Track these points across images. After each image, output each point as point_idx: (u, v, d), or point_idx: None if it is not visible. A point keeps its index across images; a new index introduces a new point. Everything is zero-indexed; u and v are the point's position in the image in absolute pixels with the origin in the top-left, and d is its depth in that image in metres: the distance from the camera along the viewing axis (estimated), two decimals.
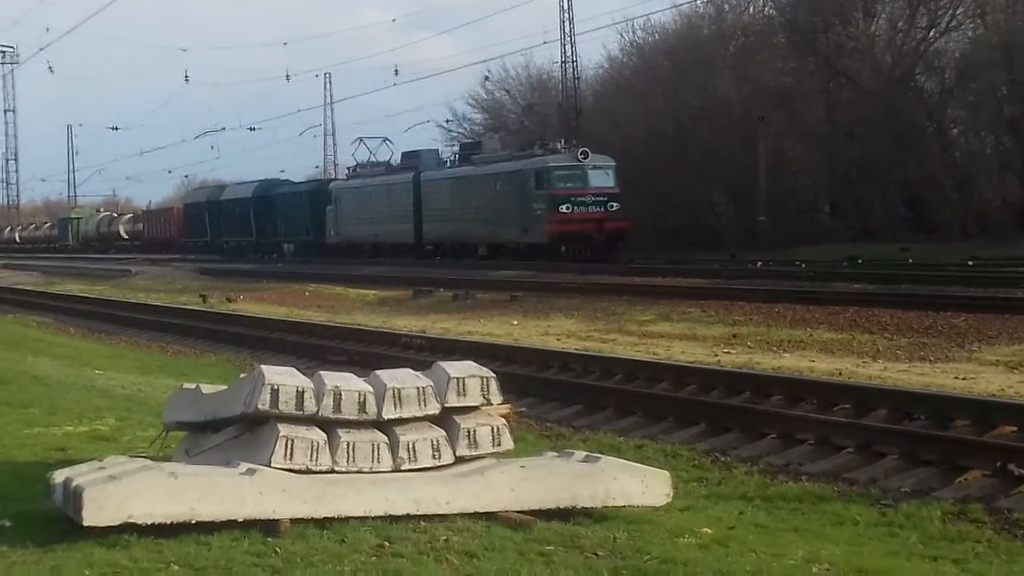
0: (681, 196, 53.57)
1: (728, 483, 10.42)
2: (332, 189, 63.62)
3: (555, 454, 8.22)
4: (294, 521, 6.80)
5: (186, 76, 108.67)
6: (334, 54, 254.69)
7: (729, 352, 19.13)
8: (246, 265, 58.72)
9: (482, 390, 7.77)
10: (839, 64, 52.93)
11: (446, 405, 7.64)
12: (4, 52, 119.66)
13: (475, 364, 8.06)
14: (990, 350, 17.79)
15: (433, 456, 7.50)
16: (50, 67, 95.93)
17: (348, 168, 67.69)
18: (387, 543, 6.60)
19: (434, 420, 7.63)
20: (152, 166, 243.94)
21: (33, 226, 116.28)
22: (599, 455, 8.11)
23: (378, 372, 7.84)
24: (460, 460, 7.57)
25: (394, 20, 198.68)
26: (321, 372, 7.75)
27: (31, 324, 30.06)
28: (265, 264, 60.10)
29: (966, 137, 50.44)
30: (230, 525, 6.69)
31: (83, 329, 29.45)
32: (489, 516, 7.19)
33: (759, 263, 39.21)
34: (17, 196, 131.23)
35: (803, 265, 36.53)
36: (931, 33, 51.92)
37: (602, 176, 46.05)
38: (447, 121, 78.60)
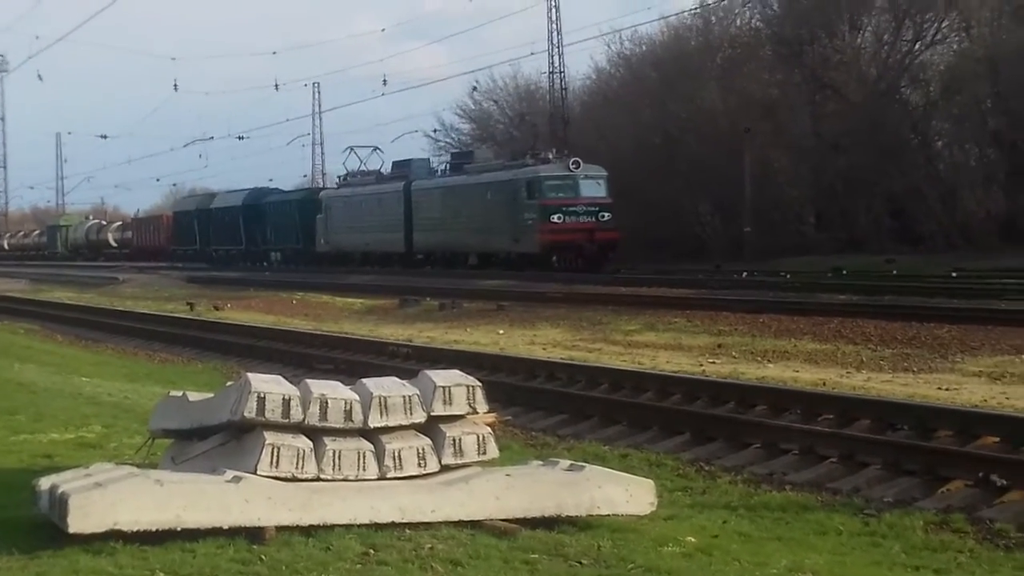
0: (668, 207, 53.59)
1: (712, 492, 10.41)
2: (322, 198, 63.53)
3: (540, 463, 8.23)
4: (279, 529, 6.80)
5: (175, 85, 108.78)
6: (323, 64, 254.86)
7: (714, 362, 19.15)
8: (233, 273, 58.64)
9: (468, 399, 7.77)
10: (825, 76, 53.08)
11: (432, 414, 7.64)
12: None
13: (461, 373, 8.06)
14: (973, 361, 17.83)
15: (419, 464, 7.49)
16: (39, 75, 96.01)
17: (338, 177, 67.69)
18: (372, 551, 6.60)
19: (420, 429, 7.63)
20: (140, 174, 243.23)
21: (22, 233, 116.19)
22: (584, 464, 8.11)
23: (364, 380, 7.84)
24: (446, 468, 7.57)
25: (383, 30, 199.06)
26: (308, 380, 7.75)
27: (19, 331, 29.97)
28: (253, 272, 60.05)
29: (950, 149, 50.58)
30: (216, 532, 6.68)
31: (70, 336, 29.38)
32: (474, 524, 7.19)
33: (744, 274, 39.26)
34: (6, 204, 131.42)
35: (788, 276, 36.57)
36: (916, 46, 52.09)
37: (594, 186, 46.05)
38: (435, 131, 78.69)
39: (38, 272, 71.27)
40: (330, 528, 6.89)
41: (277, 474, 7.08)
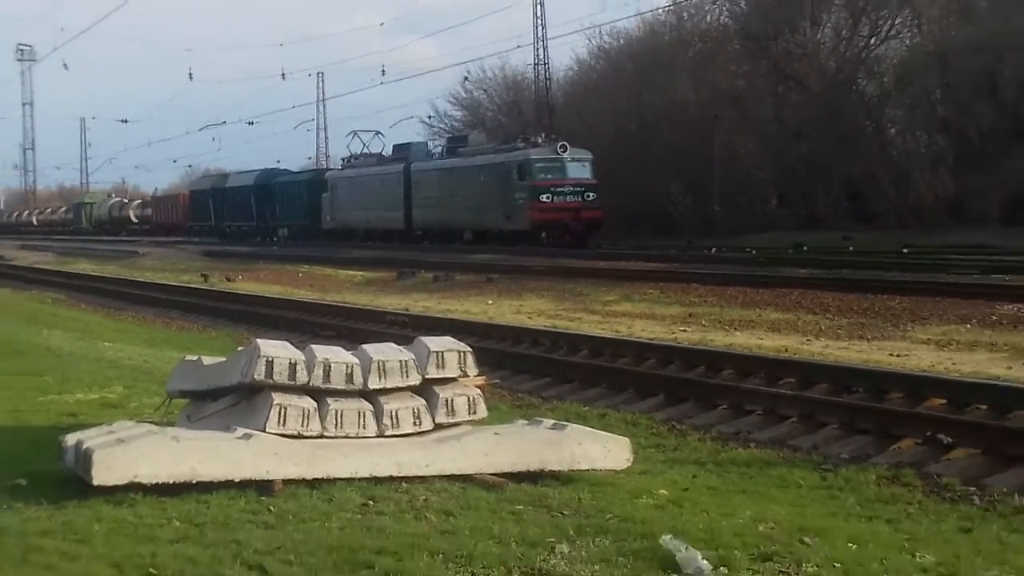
0: (644, 188, 53.54)
1: (683, 449, 10.43)
2: (328, 178, 63.26)
3: (526, 422, 8.23)
4: (286, 482, 6.80)
5: (190, 74, 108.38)
6: (327, 55, 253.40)
7: (685, 330, 19.15)
8: (244, 248, 58.49)
9: (459, 363, 7.76)
10: (788, 68, 53.02)
11: (426, 377, 7.63)
12: (23, 51, 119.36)
13: (453, 339, 8.05)
14: (922, 330, 17.86)
15: (414, 423, 7.49)
16: (65, 64, 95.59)
17: (343, 159, 67.31)
18: (371, 502, 6.60)
19: (415, 390, 7.62)
20: (158, 156, 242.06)
21: (49, 210, 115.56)
22: (566, 423, 8.11)
23: (364, 346, 7.84)
24: (439, 427, 7.57)
25: (382, 24, 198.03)
26: (312, 345, 7.73)
27: (46, 300, 29.85)
28: (262, 247, 59.88)
29: (903, 136, 50.56)
30: (228, 485, 6.68)
31: (94, 305, 29.28)
32: (465, 478, 7.19)
33: (713, 249, 39.27)
34: (34, 182, 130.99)
35: (753, 251, 36.56)
36: (872, 41, 52.04)
37: (580, 168, 45.90)
38: (429, 117, 78.45)
39: (64, 246, 71.00)
40: (333, 481, 6.88)
41: (284, 432, 7.07)
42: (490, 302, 25.88)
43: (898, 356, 15.36)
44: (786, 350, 16.05)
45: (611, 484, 7.49)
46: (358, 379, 7.42)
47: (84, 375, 12.39)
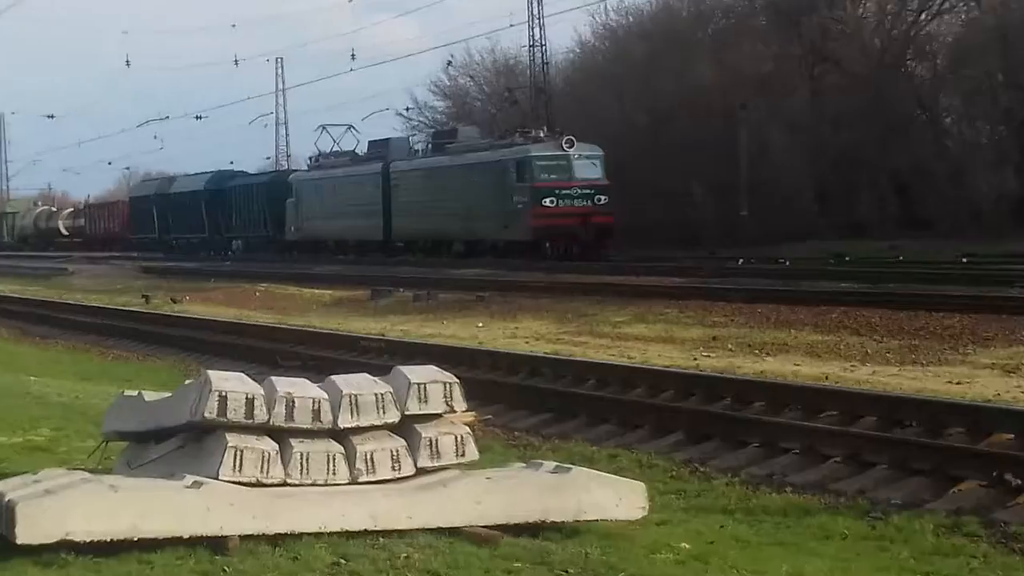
0: (656, 189, 53.54)
1: (707, 495, 10.43)
2: (292, 181, 63.08)
3: (523, 465, 8.23)
4: (243, 538, 6.79)
5: (127, 60, 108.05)
6: (286, 37, 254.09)
7: (708, 356, 19.17)
8: (193, 264, 58.53)
9: (445, 396, 7.76)
10: (825, 49, 53.10)
11: (406, 413, 7.63)
12: None
13: (437, 369, 8.05)
14: (985, 353, 17.87)
15: (392, 467, 7.48)
16: None
17: (310, 158, 67.32)
18: (343, 561, 6.60)
19: (394, 429, 7.62)
20: (91, 157, 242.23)
21: None
22: (570, 466, 8.12)
23: (334, 378, 7.83)
24: (421, 471, 7.56)
25: (351, 0, 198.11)
26: (273, 378, 7.73)
27: None
28: (214, 262, 59.89)
29: (959, 127, 50.67)
30: (175, 542, 6.67)
31: (16, 332, 29.28)
32: (452, 531, 7.19)
33: (740, 261, 39.28)
34: None
35: (787, 263, 36.61)
36: (923, 16, 52.14)
37: (589, 167, 45.50)
38: (407, 109, 78.23)
39: None
40: (298, 537, 6.88)
41: (240, 479, 7.06)
42: (480, 325, 25.90)
43: (958, 384, 15.37)
44: (827, 378, 16.06)
45: (624, 537, 7.49)
46: (327, 416, 7.42)
47: (5, 414, 12.37)
